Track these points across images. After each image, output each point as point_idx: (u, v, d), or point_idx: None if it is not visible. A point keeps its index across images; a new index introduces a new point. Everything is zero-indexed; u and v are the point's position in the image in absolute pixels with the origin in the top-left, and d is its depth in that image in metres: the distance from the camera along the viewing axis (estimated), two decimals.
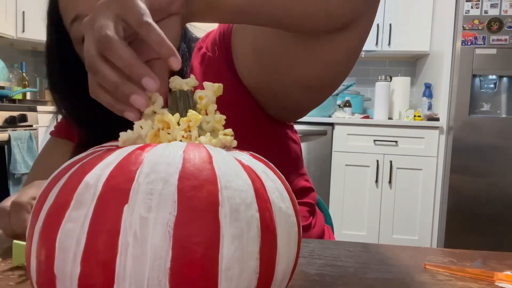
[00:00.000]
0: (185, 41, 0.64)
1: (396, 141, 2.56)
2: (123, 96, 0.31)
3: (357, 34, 0.46)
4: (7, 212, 0.49)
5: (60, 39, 0.60)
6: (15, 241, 0.42)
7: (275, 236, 0.26)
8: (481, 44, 2.39)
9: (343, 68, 0.50)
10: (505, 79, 2.49)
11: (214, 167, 0.25)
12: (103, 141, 0.37)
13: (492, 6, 2.37)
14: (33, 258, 0.25)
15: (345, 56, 0.48)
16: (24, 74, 2.92)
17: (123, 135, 0.30)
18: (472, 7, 2.39)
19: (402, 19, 2.78)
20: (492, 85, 2.49)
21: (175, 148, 0.26)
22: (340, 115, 2.78)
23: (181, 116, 0.32)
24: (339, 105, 2.88)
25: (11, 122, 2.23)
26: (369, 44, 2.83)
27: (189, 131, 0.30)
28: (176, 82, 0.33)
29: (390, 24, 2.80)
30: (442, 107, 2.54)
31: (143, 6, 0.32)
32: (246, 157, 0.30)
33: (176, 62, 0.31)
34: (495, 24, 2.37)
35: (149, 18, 0.31)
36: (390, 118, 2.87)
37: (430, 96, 2.70)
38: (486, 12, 2.38)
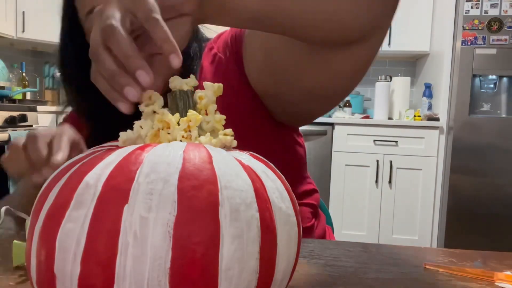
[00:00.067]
0: (196, 40, 0.65)
1: (396, 141, 2.56)
2: (118, 86, 0.31)
3: (370, 46, 0.45)
4: (19, 147, 0.49)
5: (74, 31, 0.62)
6: (15, 241, 0.42)
7: (275, 236, 0.26)
8: (481, 44, 2.39)
9: (354, 78, 0.50)
10: (505, 79, 2.49)
11: (214, 167, 0.25)
12: (111, 137, 0.37)
13: (492, 6, 2.37)
14: (33, 258, 0.25)
15: (356, 67, 0.48)
16: (24, 74, 2.92)
17: (123, 135, 0.30)
18: (472, 7, 2.38)
19: (402, 19, 2.77)
20: (492, 85, 2.49)
21: (175, 148, 0.26)
22: (340, 115, 2.78)
23: (181, 116, 0.32)
24: (339, 105, 2.88)
25: (11, 122, 2.23)
26: None
27: (189, 131, 0.30)
28: (176, 82, 0.33)
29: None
30: (442, 107, 2.54)
31: (153, 2, 0.32)
32: (246, 157, 0.30)
33: (176, 60, 0.31)
34: (495, 24, 2.37)
35: (157, 14, 0.32)
36: (390, 118, 2.87)
37: (430, 96, 2.70)
38: (486, 12, 2.38)
